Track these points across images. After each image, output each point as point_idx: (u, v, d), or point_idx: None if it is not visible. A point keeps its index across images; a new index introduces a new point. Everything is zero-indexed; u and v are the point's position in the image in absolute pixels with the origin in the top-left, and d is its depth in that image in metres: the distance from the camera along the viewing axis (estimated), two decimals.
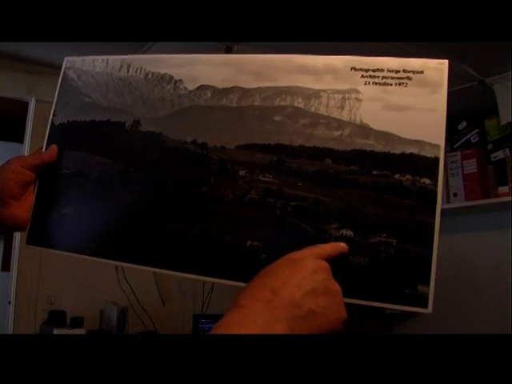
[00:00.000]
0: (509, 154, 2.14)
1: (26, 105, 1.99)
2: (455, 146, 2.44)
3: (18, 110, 1.92)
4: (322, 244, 0.57)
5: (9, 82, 1.89)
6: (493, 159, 2.27)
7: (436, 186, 0.59)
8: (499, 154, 2.23)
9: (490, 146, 2.30)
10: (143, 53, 1.60)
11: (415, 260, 0.58)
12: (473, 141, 2.39)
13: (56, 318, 1.95)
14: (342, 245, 0.58)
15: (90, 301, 2.11)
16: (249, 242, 0.62)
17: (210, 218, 0.64)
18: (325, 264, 0.54)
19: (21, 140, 2.06)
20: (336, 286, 0.53)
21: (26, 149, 2.04)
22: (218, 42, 1.50)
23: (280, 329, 0.48)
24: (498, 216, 2.24)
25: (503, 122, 2.08)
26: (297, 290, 0.51)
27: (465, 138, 2.41)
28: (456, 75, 1.91)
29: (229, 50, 1.52)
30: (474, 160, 2.32)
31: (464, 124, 2.41)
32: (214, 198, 0.65)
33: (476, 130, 2.38)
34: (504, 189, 2.13)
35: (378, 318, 2.20)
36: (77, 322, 1.95)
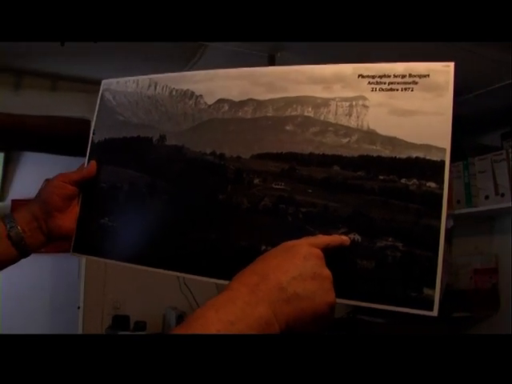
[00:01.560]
0: None
1: (88, 122, 2.14)
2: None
3: (82, 127, 2.06)
4: (322, 235, 0.59)
5: (71, 102, 2.04)
6: None
7: (442, 189, 0.59)
8: None
9: None
10: (189, 69, 1.68)
11: (421, 263, 0.58)
12: None
13: (120, 322, 2.06)
14: (343, 237, 0.60)
15: (152, 306, 2.22)
16: (263, 247, 0.65)
17: (227, 224, 0.68)
18: (317, 251, 0.55)
19: (85, 154, 2.20)
20: (326, 272, 0.54)
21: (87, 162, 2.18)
22: (261, 52, 1.54)
23: (262, 310, 0.48)
24: None
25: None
26: (284, 274, 0.52)
27: None
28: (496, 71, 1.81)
29: (272, 59, 1.55)
30: None
31: None
32: (231, 205, 0.68)
33: None
34: None
35: (445, 322, 2.12)
36: (140, 326, 2.04)
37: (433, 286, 0.57)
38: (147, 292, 2.20)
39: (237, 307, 0.48)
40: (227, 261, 0.67)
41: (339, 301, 0.61)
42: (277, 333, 0.49)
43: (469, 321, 2.35)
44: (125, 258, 0.76)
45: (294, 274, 0.52)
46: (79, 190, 0.79)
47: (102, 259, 0.79)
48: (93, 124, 0.82)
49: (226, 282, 0.66)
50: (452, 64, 0.62)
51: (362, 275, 0.60)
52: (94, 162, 0.80)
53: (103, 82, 0.83)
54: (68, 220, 0.79)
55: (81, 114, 2.00)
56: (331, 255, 0.57)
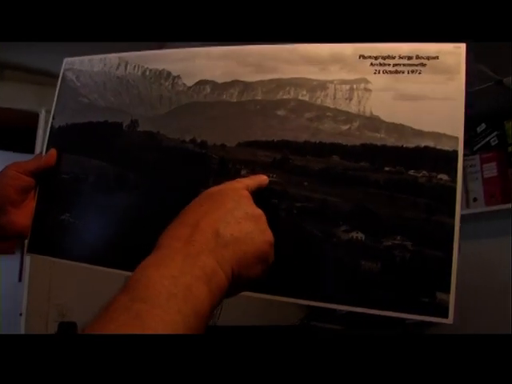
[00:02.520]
0: None
1: (36, 116, 2.00)
2: (474, 149, 2.33)
3: (29, 121, 1.92)
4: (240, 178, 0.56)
5: (19, 93, 1.90)
6: None
7: (455, 182, 0.53)
8: None
9: (510, 149, 2.18)
10: None
11: (433, 265, 0.52)
12: (492, 143, 2.26)
13: (66, 330, 1.92)
14: (262, 176, 0.58)
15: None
16: None
17: None
18: (244, 192, 0.52)
19: (32, 151, 2.07)
20: (257, 211, 0.51)
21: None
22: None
23: (204, 259, 0.44)
24: None
25: None
26: (217, 220, 0.47)
27: (484, 141, 2.29)
28: (472, 76, 1.82)
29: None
30: (494, 163, 2.22)
31: (483, 126, 2.29)
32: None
33: (495, 133, 2.25)
34: None
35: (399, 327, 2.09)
36: None
37: (447, 290, 0.51)
38: (96, 297, 2.04)
39: (177, 261, 0.43)
40: None
41: (337, 307, 0.55)
42: (223, 281, 0.44)
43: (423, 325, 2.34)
44: (88, 260, 0.66)
45: (226, 218, 0.48)
46: (36, 182, 0.69)
47: (61, 260, 0.68)
48: (53, 107, 0.72)
49: None
50: (463, 45, 0.56)
51: (366, 278, 0.54)
52: (53, 150, 0.70)
53: (65, 60, 0.73)
54: (23, 216, 0.68)
55: (29, 106, 1.86)
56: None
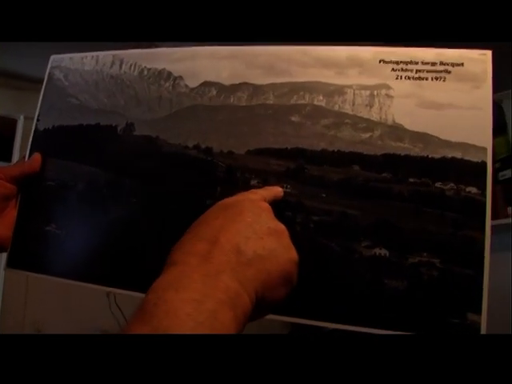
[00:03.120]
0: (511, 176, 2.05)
1: (14, 122, 1.90)
2: None
3: (6, 127, 1.82)
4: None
5: None
6: (500, 178, 2.14)
7: (484, 195, 0.50)
8: (507, 173, 2.12)
9: (497, 165, 2.20)
10: None
11: (463, 283, 0.49)
12: None
13: None
14: (277, 188, 0.53)
15: (79, 327, 1.98)
16: None
17: None
18: (264, 204, 0.47)
19: (9, 159, 1.96)
20: (280, 226, 0.46)
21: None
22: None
23: (226, 280, 0.38)
24: (507, 237, 2.13)
25: None
26: (236, 235, 0.42)
27: None
28: None
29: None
30: None
31: None
32: None
33: None
34: (510, 209, 2.03)
35: None
36: None
37: (478, 311, 0.48)
38: (73, 312, 1.97)
39: (196, 282, 0.37)
40: None
41: (359, 329, 0.50)
42: (247, 305, 0.39)
43: None
44: (75, 276, 0.60)
45: (247, 232, 0.43)
46: (18, 189, 0.62)
47: (44, 276, 0.62)
48: (37, 107, 0.65)
49: None
50: (489, 52, 0.54)
51: (391, 298, 0.50)
52: (38, 155, 0.63)
53: (52, 57, 0.67)
54: (3, 226, 0.62)
55: (6, 112, 1.76)
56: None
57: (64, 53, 0.65)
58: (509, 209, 2.05)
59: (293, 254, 0.45)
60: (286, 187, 0.54)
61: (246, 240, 0.42)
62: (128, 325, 0.35)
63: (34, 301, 1.95)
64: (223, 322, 0.36)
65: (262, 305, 0.42)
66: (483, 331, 0.47)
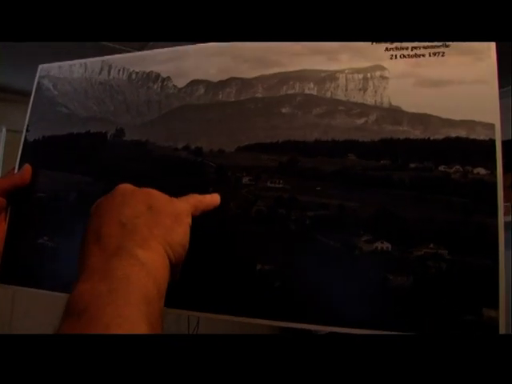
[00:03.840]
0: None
1: None
2: None
3: None
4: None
5: None
6: None
7: (495, 175, 0.45)
8: None
9: None
10: None
11: (476, 275, 0.44)
12: None
13: None
14: (213, 195, 0.52)
15: None
16: (259, 266, 0.49)
17: (209, 238, 0.52)
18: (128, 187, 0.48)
19: None
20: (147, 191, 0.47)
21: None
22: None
23: (127, 254, 0.41)
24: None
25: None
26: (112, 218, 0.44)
27: None
28: None
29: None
30: None
31: None
32: (213, 213, 0.52)
33: None
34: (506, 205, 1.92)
35: None
36: None
37: (495, 306, 0.42)
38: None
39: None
40: (210, 286, 0.50)
41: (363, 331, 0.46)
42: (157, 261, 0.42)
43: None
44: (69, 290, 0.58)
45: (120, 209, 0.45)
46: (7, 202, 0.61)
47: (37, 290, 0.60)
48: (26, 118, 0.64)
49: (208, 315, 0.50)
50: None
51: (396, 295, 0.45)
52: (28, 166, 0.61)
53: (40, 66, 0.66)
54: None
55: None
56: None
57: (48, 63, 0.64)
58: None
59: (165, 197, 0.47)
60: (279, 182, 0.51)
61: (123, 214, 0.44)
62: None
63: (21, 315, 1.93)
64: (135, 282, 0.38)
65: (173, 249, 0.44)
66: (502, 329, 0.42)
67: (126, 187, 0.48)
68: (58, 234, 0.59)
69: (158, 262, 0.42)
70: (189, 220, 0.47)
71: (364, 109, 0.50)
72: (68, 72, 0.64)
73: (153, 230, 0.43)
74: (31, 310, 1.88)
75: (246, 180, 0.52)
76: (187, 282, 0.50)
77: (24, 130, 0.63)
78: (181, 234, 0.45)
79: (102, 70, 0.63)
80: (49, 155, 0.62)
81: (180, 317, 2.25)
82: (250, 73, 0.55)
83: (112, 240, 0.42)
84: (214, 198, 0.51)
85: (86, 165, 0.60)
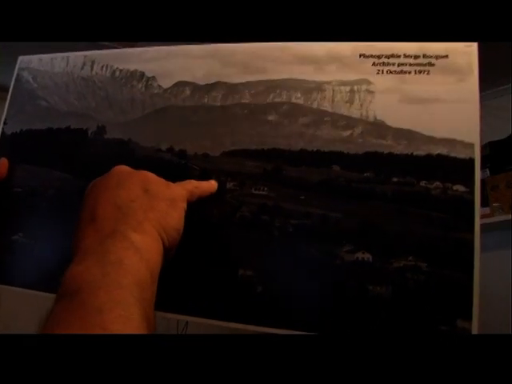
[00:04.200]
0: (489, 175, 2.01)
1: None
2: None
3: None
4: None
5: None
6: None
7: (472, 193, 0.47)
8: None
9: None
10: None
11: (452, 288, 0.45)
12: None
13: None
14: (211, 182, 0.53)
15: None
16: (240, 272, 0.50)
17: (191, 242, 0.52)
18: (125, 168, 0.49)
19: None
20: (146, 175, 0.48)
21: None
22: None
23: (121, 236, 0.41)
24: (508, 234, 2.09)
25: (482, 143, 1.97)
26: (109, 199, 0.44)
27: None
28: None
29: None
30: None
31: None
32: (196, 217, 0.52)
33: None
34: (485, 210, 1.99)
35: None
36: None
37: (469, 317, 0.45)
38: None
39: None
40: (191, 291, 0.51)
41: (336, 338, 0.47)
42: (151, 244, 0.42)
43: None
44: (44, 287, 0.57)
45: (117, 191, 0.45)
46: None
47: (11, 288, 0.58)
48: (5, 111, 0.62)
49: (192, 319, 0.50)
50: (475, 44, 0.51)
51: (375, 305, 0.47)
52: (5, 160, 0.60)
53: (20, 58, 0.64)
54: None
55: None
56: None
57: (29, 52, 0.63)
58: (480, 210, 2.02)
59: (161, 181, 0.47)
60: (263, 189, 0.51)
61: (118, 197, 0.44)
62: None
63: (4, 311, 1.88)
64: (129, 266, 0.38)
65: (167, 234, 0.44)
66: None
67: (122, 168, 0.48)
68: (33, 231, 0.58)
69: (152, 246, 0.42)
70: (184, 205, 0.47)
71: (350, 121, 0.51)
72: (49, 65, 0.63)
73: (148, 214, 0.43)
74: (15, 309, 1.83)
75: (230, 185, 0.53)
76: (170, 285, 0.50)
77: (1, 123, 0.61)
78: (176, 218, 0.46)
79: (84, 65, 0.62)
80: (27, 149, 0.61)
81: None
82: (237, 78, 0.56)
83: (107, 222, 0.42)
84: (210, 185, 0.52)
85: (66, 161, 0.59)
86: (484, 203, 1.96)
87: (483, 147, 1.97)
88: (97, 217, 0.43)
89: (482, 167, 2.01)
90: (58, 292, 0.37)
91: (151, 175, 0.47)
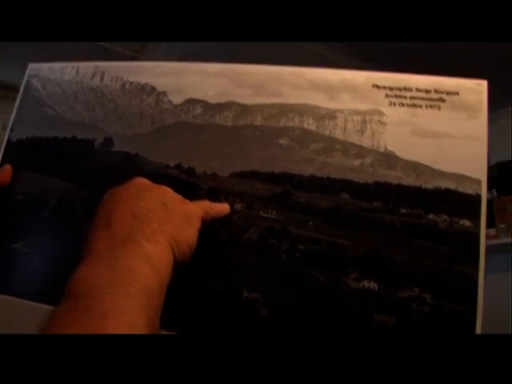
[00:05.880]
0: (496, 195, 2.05)
1: None
2: None
3: None
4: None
5: None
6: None
7: (478, 228, 0.48)
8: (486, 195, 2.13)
9: None
10: None
11: (455, 321, 0.46)
12: None
13: None
14: (224, 204, 0.53)
15: None
16: (245, 294, 0.50)
17: (197, 262, 0.52)
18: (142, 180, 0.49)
19: None
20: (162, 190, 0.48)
21: None
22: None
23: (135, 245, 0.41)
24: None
25: (491, 163, 2.01)
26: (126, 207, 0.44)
27: None
28: None
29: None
30: None
31: None
32: (202, 237, 0.52)
33: None
34: (491, 231, 2.02)
35: None
36: None
37: None
38: None
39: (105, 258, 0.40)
40: (195, 310, 0.50)
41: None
42: (163, 254, 0.43)
43: None
44: (42, 298, 0.56)
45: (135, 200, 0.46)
46: None
47: (9, 298, 0.57)
48: (11, 117, 0.61)
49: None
50: (485, 82, 0.52)
51: (379, 334, 0.47)
52: (8, 167, 0.59)
53: (30, 66, 0.63)
54: None
55: None
56: None
57: (40, 56, 0.62)
58: (487, 231, 2.04)
59: (179, 197, 0.48)
60: (271, 213, 0.52)
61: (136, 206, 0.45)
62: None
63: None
64: (138, 274, 0.38)
65: (179, 248, 0.44)
66: None
67: (142, 180, 0.48)
68: (34, 240, 0.57)
69: (164, 256, 0.42)
70: (199, 223, 0.48)
71: (360, 150, 0.52)
72: (59, 73, 0.62)
73: (163, 226, 0.44)
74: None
75: (238, 206, 0.53)
76: (174, 304, 0.49)
77: (8, 129, 0.60)
78: (189, 234, 0.46)
79: (94, 75, 0.61)
80: (32, 157, 0.60)
81: None
82: (249, 99, 0.56)
83: (121, 228, 0.42)
84: (224, 207, 0.52)
85: (70, 171, 0.58)
86: (490, 224, 1.99)
87: (491, 167, 2.00)
88: (112, 222, 0.43)
89: (489, 188, 2.03)
90: (65, 291, 0.37)
91: (170, 190, 0.48)
